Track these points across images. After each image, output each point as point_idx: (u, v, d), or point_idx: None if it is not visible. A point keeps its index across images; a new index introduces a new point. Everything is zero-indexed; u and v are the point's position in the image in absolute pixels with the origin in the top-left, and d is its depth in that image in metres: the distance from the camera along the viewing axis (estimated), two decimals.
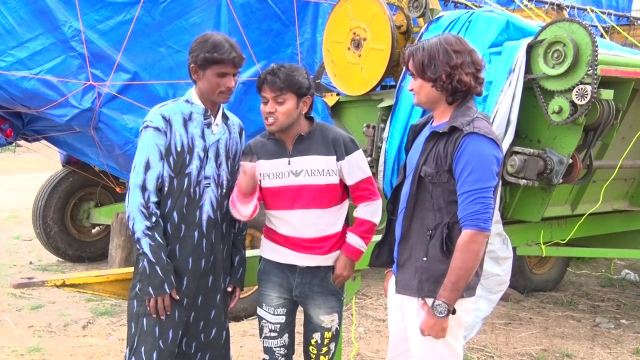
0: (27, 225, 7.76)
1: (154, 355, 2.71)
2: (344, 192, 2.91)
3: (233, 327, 4.88)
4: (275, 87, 2.72)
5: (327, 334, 2.92)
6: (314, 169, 2.80)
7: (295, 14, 5.64)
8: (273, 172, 2.83)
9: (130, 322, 2.80)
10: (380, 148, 4.53)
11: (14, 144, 6.51)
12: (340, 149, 2.81)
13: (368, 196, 2.88)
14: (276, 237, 2.89)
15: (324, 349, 2.93)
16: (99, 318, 5.20)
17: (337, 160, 2.81)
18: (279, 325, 2.92)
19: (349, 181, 2.84)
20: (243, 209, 2.76)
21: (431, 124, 2.65)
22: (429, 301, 2.47)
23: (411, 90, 2.61)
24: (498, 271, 3.89)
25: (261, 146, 2.87)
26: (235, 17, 5.39)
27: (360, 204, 2.89)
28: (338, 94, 5.24)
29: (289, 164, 2.81)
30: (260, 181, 2.83)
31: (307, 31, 5.75)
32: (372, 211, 2.89)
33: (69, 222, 7.02)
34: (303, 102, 2.78)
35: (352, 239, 2.88)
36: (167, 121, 2.73)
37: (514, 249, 4.21)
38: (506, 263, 3.93)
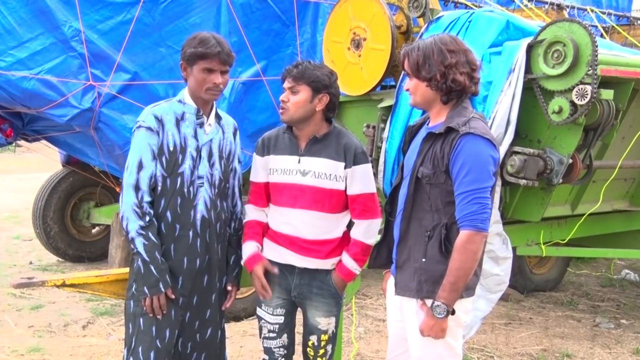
0: (27, 225, 7.75)
1: (152, 354, 2.71)
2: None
3: (233, 327, 4.89)
4: (291, 76, 2.76)
5: (324, 337, 2.92)
6: (322, 172, 2.79)
7: (295, 14, 5.64)
8: (282, 167, 2.84)
9: (128, 322, 2.80)
10: (380, 148, 4.53)
11: (14, 144, 6.51)
12: (350, 157, 2.79)
13: (364, 212, 2.82)
14: (276, 237, 2.89)
15: (321, 351, 2.94)
16: (99, 318, 5.20)
17: (345, 167, 2.79)
18: (277, 326, 2.92)
19: (349, 191, 2.81)
20: None
21: (427, 124, 2.65)
22: (428, 302, 2.48)
23: (407, 90, 2.61)
24: (497, 271, 3.89)
25: (275, 140, 2.88)
26: (235, 17, 5.39)
27: (356, 219, 2.85)
28: None
29: (299, 162, 2.81)
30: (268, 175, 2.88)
31: (307, 31, 5.74)
32: (365, 230, 2.83)
33: (69, 222, 7.01)
34: (318, 99, 2.77)
35: (346, 259, 2.85)
36: (160, 121, 2.73)
37: (514, 249, 4.21)
38: (505, 263, 3.93)
